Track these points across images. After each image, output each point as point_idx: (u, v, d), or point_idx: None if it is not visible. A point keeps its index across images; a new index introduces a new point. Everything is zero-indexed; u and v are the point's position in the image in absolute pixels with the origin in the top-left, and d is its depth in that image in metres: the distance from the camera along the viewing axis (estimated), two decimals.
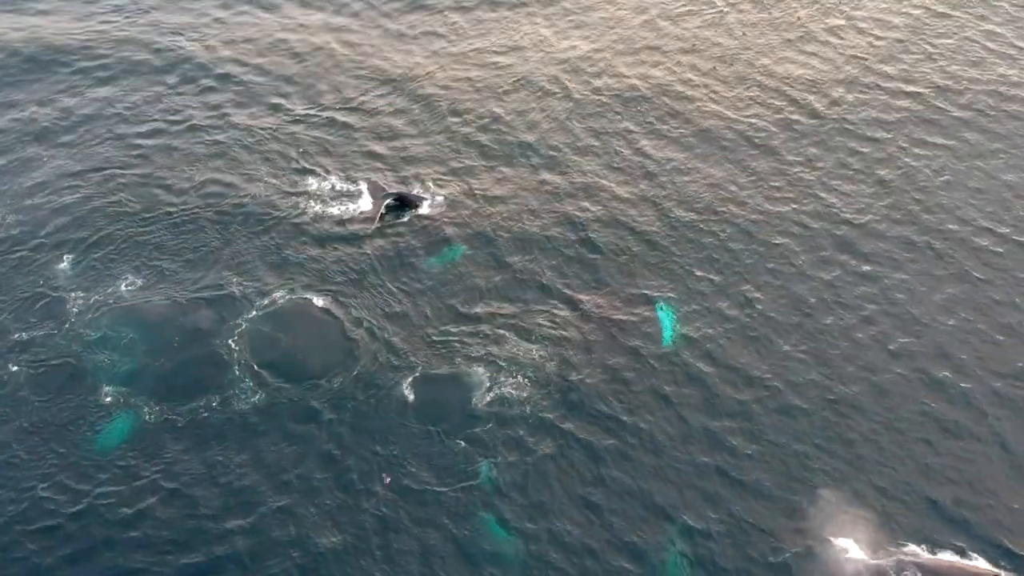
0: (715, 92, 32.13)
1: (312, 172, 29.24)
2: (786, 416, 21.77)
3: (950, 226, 26.71)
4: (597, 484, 20.60)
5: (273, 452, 21.24)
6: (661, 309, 24.05)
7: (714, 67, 33.39)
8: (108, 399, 22.27)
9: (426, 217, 27.17)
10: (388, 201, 27.27)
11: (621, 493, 20.43)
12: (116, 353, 23.32)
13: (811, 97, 31.71)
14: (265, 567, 19.12)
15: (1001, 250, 25.83)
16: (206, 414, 21.93)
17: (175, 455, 21.14)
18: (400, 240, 26.74)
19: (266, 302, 24.71)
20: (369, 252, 26.36)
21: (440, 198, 27.66)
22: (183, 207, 28.07)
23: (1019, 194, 27.66)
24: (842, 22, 35.54)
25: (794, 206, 27.50)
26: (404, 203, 27.49)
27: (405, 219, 27.09)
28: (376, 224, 26.85)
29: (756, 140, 30.04)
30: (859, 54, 33.72)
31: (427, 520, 19.93)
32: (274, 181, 29.01)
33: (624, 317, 23.98)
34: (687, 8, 36.90)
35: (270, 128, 31.37)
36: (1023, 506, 20.08)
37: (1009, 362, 22.85)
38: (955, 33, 34.58)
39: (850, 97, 31.61)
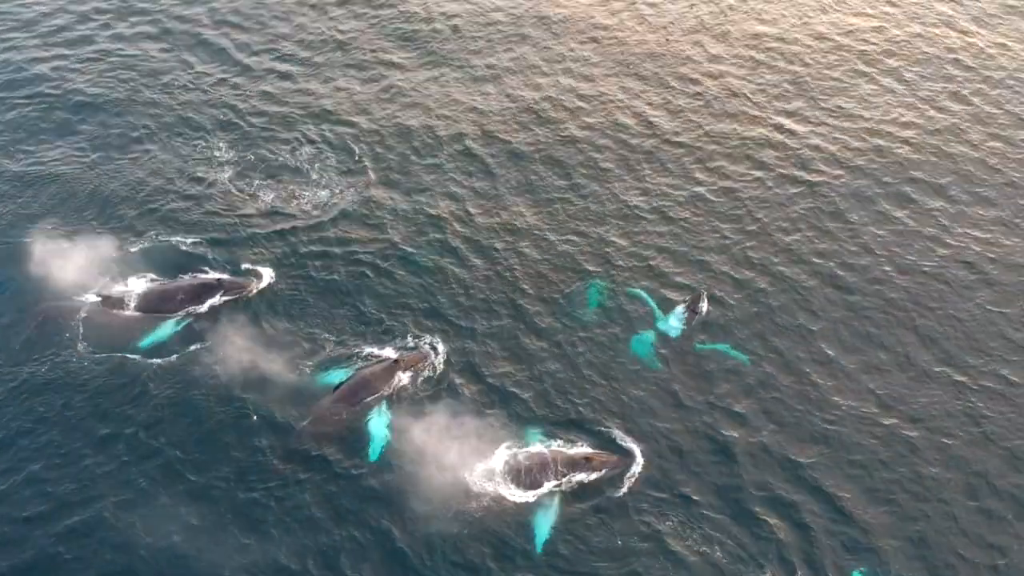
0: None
1: (226, 140, 28.12)
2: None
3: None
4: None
5: (89, 431, 20.03)
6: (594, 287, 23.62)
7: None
8: None
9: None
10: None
11: None
12: None
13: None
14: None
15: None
16: (25, 394, 20.72)
17: None
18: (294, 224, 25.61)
19: (130, 261, 23.72)
20: (259, 231, 25.18)
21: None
22: (74, 154, 27.27)
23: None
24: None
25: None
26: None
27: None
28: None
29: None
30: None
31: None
32: (182, 144, 28.02)
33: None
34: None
35: (200, 87, 30.48)
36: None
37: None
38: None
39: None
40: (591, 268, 24.17)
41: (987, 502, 19.28)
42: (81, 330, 21.86)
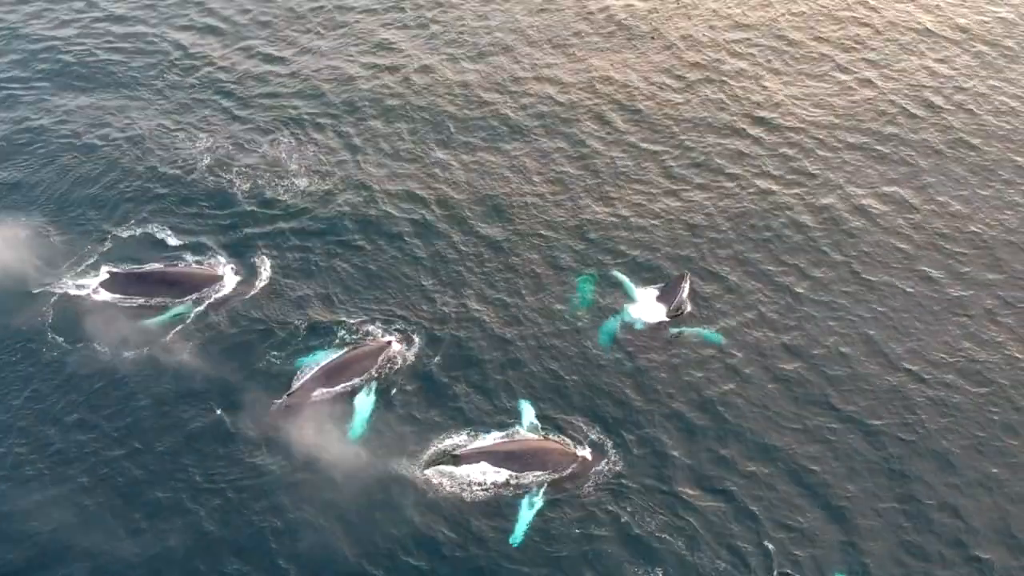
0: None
1: (205, 131, 28.42)
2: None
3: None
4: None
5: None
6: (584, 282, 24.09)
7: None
8: None
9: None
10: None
11: None
12: None
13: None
14: None
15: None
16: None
17: None
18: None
19: (105, 248, 24.22)
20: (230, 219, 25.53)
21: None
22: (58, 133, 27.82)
23: None
24: None
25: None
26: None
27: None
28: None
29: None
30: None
31: None
32: (162, 126, 28.39)
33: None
34: None
35: (184, 72, 30.78)
36: None
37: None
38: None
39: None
40: (548, 271, 24.53)
41: (928, 511, 19.73)
42: (51, 319, 22.25)
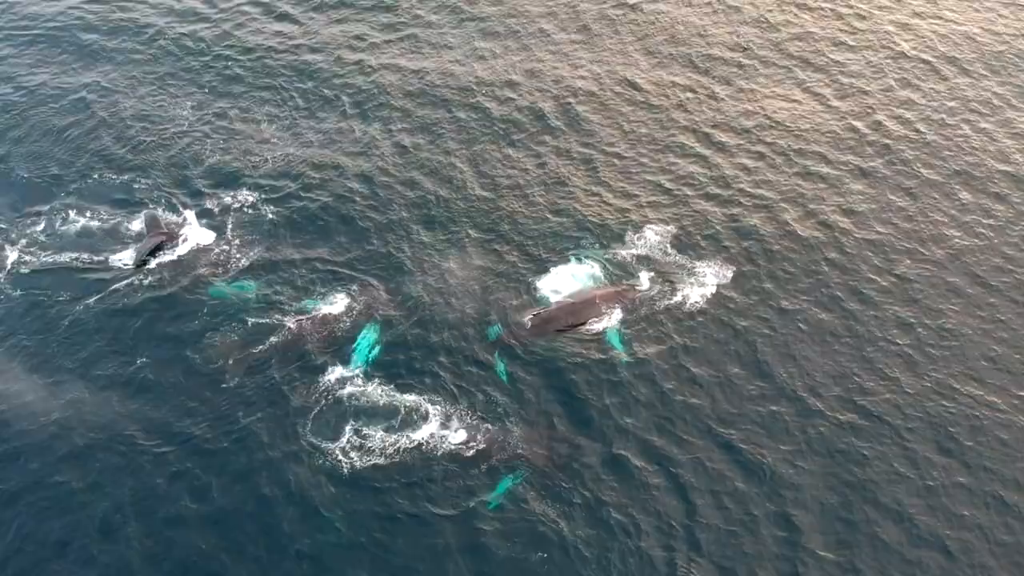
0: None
1: (182, 96, 29.86)
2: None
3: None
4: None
5: None
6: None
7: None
8: None
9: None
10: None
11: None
12: None
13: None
14: None
15: None
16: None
17: None
18: None
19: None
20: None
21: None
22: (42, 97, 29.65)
23: None
24: None
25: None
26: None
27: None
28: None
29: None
30: None
31: None
32: (150, 92, 30.04)
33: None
34: None
35: (170, 37, 32.42)
36: None
37: None
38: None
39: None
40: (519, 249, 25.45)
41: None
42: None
